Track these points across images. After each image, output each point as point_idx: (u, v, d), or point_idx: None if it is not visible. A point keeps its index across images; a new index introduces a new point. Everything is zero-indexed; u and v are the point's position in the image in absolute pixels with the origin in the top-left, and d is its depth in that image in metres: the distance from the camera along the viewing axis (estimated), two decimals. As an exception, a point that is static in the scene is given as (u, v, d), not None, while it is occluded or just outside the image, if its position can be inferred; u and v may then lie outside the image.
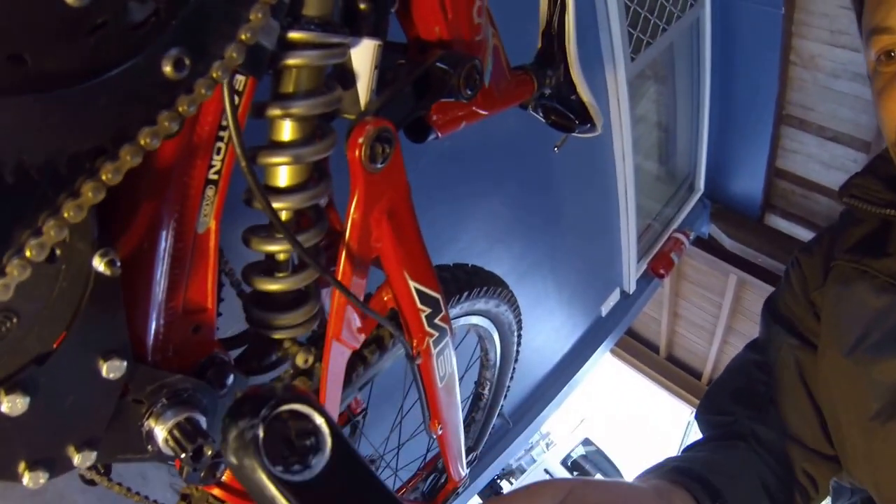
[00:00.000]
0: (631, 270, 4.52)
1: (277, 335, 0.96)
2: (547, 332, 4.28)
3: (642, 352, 7.80)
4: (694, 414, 1.11)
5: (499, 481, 8.94)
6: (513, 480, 9.41)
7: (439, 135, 1.09)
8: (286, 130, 0.81)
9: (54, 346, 0.59)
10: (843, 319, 0.95)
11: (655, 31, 3.81)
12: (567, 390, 4.73)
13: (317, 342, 1.02)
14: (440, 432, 1.45)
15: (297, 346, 0.99)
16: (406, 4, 0.98)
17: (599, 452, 9.02)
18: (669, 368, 7.66)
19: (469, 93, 1.01)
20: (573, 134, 1.53)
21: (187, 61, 0.48)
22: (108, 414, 0.69)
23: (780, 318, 1.06)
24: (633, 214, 4.17)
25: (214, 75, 0.49)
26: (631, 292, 4.67)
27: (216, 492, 1.05)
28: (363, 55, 0.88)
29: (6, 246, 0.46)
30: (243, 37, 0.50)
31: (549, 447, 10.29)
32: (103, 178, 0.47)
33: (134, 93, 0.47)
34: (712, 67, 4.30)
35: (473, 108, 1.14)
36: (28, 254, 0.46)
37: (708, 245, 5.18)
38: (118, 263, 0.57)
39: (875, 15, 0.84)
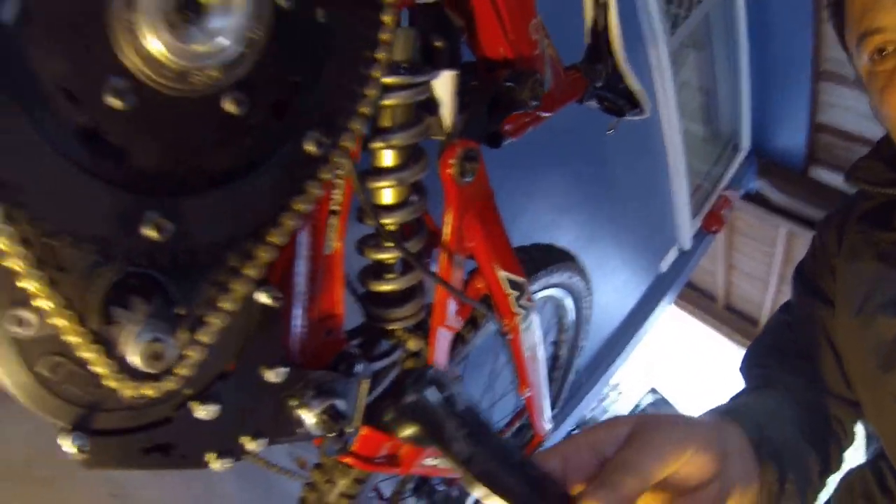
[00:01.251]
0: (686, 229, 4.48)
1: (391, 326, 1.05)
2: (612, 291, 4.30)
3: (702, 302, 7.68)
4: (739, 367, 1.12)
5: (575, 432, 8.92)
6: (586, 432, 9.42)
7: (511, 139, 1.14)
8: (387, 158, 0.89)
9: (233, 365, 0.68)
10: (851, 285, 0.98)
11: (691, 5, 3.75)
12: (633, 343, 4.74)
13: (423, 327, 1.09)
14: (528, 394, 1.52)
15: (407, 334, 1.07)
16: (473, 33, 1.04)
17: (665, 400, 8.95)
18: (728, 317, 7.53)
19: (534, 104, 1.06)
20: (624, 118, 1.57)
21: (324, 140, 0.55)
22: (273, 409, 0.78)
23: (807, 283, 1.09)
24: (684, 177, 4.15)
25: (345, 145, 0.56)
26: (687, 249, 4.64)
27: (347, 460, 1.15)
28: (444, 84, 0.95)
29: (205, 303, 0.55)
30: (363, 110, 0.57)
31: (619, 397, 10.25)
32: (271, 241, 0.55)
33: (287, 173, 0.55)
34: (748, 30, 4.21)
35: (537, 113, 1.19)
36: (223, 307, 0.55)
37: (757, 200, 5.07)
38: (279, 296, 0.66)
39: (862, 21, 0.83)
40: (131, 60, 0.42)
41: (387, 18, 0.55)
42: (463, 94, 1.01)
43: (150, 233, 0.46)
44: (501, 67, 1.06)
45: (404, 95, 0.84)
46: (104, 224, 0.45)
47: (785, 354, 1.05)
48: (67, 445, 0.62)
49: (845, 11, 0.87)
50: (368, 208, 0.84)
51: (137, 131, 0.45)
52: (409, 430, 0.53)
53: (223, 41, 0.44)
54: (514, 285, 1.16)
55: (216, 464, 0.74)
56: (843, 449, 1.00)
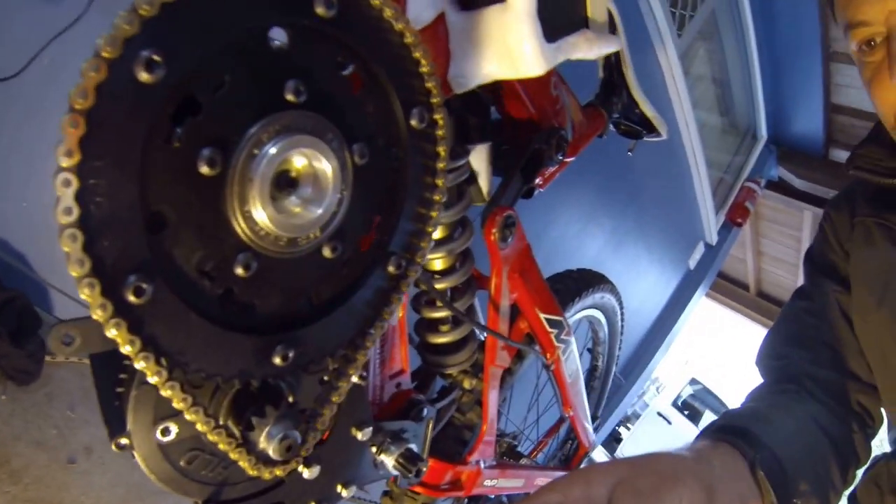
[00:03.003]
0: (711, 223, 4.56)
1: (448, 371, 1.18)
2: (643, 292, 4.39)
3: (734, 291, 7.70)
4: (755, 360, 1.11)
5: (617, 428, 8.95)
6: (629, 426, 9.41)
7: (541, 189, 1.26)
8: (436, 233, 1.02)
9: (327, 434, 0.82)
10: (868, 270, 0.97)
11: (695, 3, 3.83)
12: (669, 339, 4.82)
13: (476, 368, 1.22)
14: (572, 413, 1.64)
15: (463, 375, 1.20)
16: (499, 101, 1.15)
17: (706, 390, 8.89)
18: (761, 304, 7.55)
19: (560, 157, 1.17)
20: (642, 140, 1.67)
21: (403, 262, 0.68)
22: (359, 459, 0.92)
23: (821, 267, 1.08)
24: (704, 172, 4.22)
25: (419, 261, 0.69)
26: (714, 243, 4.72)
27: (417, 489, 1.27)
28: (479, 156, 1.07)
29: (319, 399, 0.70)
30: (429, 229, 0.69)
31: (659, 391, 10.19)
32: (366, 345, 0.68)
33: (376, 292, 0.67)
34: (754, 19, 4.28)
35: (564, 160, 1.31)
36: (333, 400, 0.70)
37: (780, 187, 5.12)
38: (364, 375, 0.80)
39: (847, 11, 0.84)
40: (250, 238, 0.54)
41: (441, 150, 0.68)
42: (496, 159, 1.14)
43: (277, 361, 0.59)
44: (528, 130, 1.17)
45: (448, 179, 0.97)
46: (243, 362, 0.57)
47: (804, 343, 1.04)
48: None
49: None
50: (429, 284, 0.98)
51: (260, 289, 0.58)
52: None
53: (318, 210, 0.57)
54: (554, 324, 1.28)
55: None
56: (869, 437, 1.00)
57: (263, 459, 0.68)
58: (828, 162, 4.88)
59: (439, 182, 0.68)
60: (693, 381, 8.90)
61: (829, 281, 1.05)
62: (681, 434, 7.63)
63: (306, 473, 0.81)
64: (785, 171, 5.00)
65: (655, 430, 8.77)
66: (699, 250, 4.71)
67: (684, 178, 4.21)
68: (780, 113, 4.91)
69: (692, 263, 4.69)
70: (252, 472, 0.67)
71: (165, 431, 0.68)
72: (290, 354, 0.60)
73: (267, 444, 0.65)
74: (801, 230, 5.72)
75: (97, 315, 0.46)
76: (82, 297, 0.46)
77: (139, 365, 0.50)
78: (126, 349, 0.49)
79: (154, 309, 0.50)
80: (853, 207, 1.04)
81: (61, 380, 1.79)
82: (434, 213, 0.68)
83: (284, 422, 0.66)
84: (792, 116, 4.94)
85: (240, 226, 0.53)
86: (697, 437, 0.85)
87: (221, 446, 0.65)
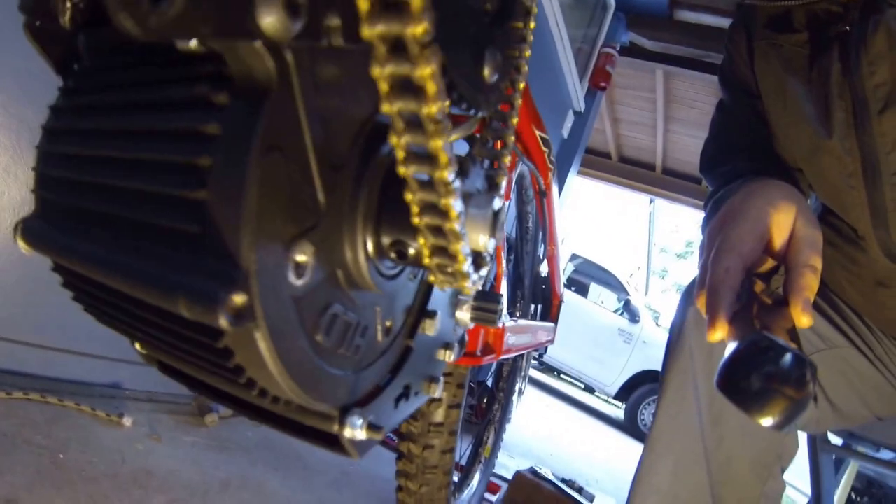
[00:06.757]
0: (577, 91, 4.61)
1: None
2: (530, 169, 4.42)
3: (598, 162, 8.00)
4: (700, 170, 1.22)
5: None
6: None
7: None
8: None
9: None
10: (769, 85, 1.08)
11: None
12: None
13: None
14: (552, 254, 1.60)
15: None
16: None
17: (587, 262, 9.17)
18: (623, 168, 7.90)
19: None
20: None
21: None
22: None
23: (734, 83, 1.19)
24: (567, 44, 4.24)
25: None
26: (582, 110, 4.81)
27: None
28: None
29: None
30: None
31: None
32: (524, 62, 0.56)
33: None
34: None
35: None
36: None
37: (631, 51, 5.25)
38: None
39: None
40: None
41: None
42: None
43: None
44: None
45: None
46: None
47: (737, 147, 1.15)
48: (351, 431, 0.50)
49: None
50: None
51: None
52: None
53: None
54: (546, 143, 1.21)
55: (434, 391, 0.69)
56: None
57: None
58: (674, 22, 5.03)
59: None
60: (573, 257, 9.16)
61: (743, 93, 1.17)
62: (575, 310, 7.86)
63: (430, 329, 0.62)
64: (635, 35, 5.14)
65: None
66: (570, 119, 4.77)
67: (550, 51, 4.21)
68: (623, -21, 4.98)
69: (565, 132, 4.76)
70: (461, 270, 0.46)
71: (299, 264, 0.39)
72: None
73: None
74: (654, 91, 5.95)
75: None
76: None
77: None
78: None
79: None
80: (749, 32, 1.13)
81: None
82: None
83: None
84: (635, -18, 5.03)
85: None
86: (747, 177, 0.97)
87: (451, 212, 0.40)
